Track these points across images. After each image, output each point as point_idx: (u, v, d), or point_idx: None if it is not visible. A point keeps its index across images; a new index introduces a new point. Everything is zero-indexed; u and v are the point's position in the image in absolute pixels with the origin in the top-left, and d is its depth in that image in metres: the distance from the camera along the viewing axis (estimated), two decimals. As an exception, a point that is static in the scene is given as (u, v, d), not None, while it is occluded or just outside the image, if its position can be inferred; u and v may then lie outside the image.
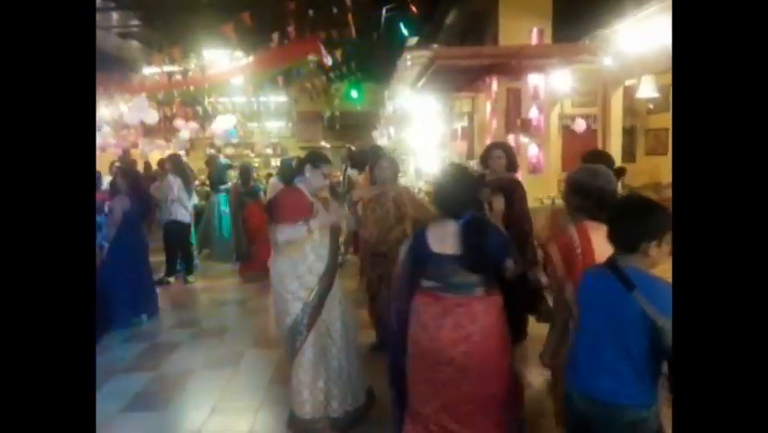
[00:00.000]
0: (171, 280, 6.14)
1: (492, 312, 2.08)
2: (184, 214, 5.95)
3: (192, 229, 6.46)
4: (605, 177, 1.95)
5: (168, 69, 8.48)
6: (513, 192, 3.21)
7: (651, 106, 7.34)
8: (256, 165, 14.99)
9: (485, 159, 3.53)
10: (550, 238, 2.40)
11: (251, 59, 8.24)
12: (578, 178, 2.02)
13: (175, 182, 5.92)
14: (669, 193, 5.89)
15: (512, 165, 3.50)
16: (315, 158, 2.82)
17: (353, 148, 12.15)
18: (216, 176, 7.47)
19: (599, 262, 1.68)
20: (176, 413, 3.12)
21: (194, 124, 10.36)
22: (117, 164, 7.44)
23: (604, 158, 2.67)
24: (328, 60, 6.51)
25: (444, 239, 2.07)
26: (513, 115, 6.08)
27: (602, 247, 1.71)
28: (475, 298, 2.07)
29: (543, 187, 6.04)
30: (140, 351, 4.08)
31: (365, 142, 11.93)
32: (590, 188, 1.93)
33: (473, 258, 2.01)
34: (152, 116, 7.69)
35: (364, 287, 3.83)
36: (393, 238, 3.41)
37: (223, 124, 10.30)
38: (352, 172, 6.45)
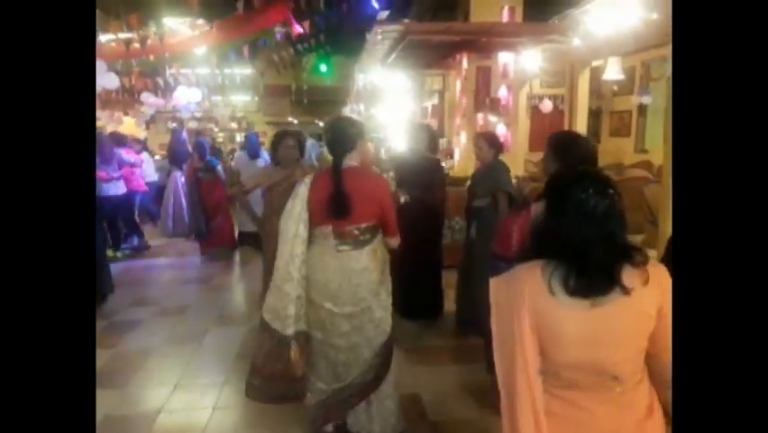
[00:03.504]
0: (118, 255, 6.02)
1: None
2: (103, 189, 5.69)
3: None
4: (584, 139, 2.34)
5: (124, 36, 8.03)
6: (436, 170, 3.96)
7: (615, 88, 7.51)
8: (220, 140, 14.60)
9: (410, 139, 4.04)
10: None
11: (213, 28, 7.90)
12: (559, 141, 2.23)
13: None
14: (631, 173, 6.08)
15: (434, 146, 4.09)
16: (362, 128, 2.30)
17: (321, 124, 11.96)
18: (176, 151, 7.24)
19: None
20: (137, 390, 3.03)
21: (156, 99, 9.92)
22: None
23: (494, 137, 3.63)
24: (298, 28, 6.30)
25: None
26: (482, 94, 6.09)
27: None
28: None
29: (510, 166, 6.12)
30: (99, 328, 3.94)
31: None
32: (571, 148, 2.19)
33: None
34: (113, 80, 7.28)
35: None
36: None
37: (186, 96, 9.88)
38: (325, 150, 6.29)
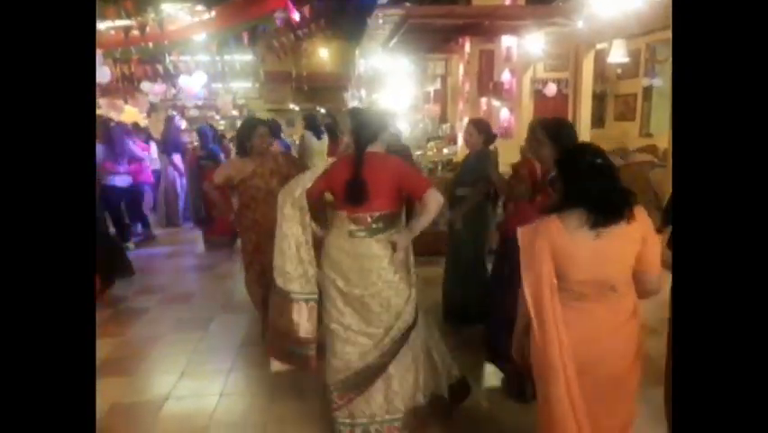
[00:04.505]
0: (129, 245, 5.98)
1: None
2: (110, 179, 5.71)
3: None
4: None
5: (122, 23, 7.94)
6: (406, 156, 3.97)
7: (620, 71, 7.42)
8: (221, 128, 14.54)
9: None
10: (521, 162, 2.78)
11: (213, 14, 7.81)
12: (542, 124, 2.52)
13: (99, 148, 5.75)
14: (636, 158, 6.03)
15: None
16: (386, 119, 2.39)
17: (323, 111, 11.90)
18: (168, 139, 7.22)
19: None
20: (144, 378, 3.07)
21: (158, 86, 9.84)
22: None
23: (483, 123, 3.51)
24: (296, 16, 6.23)
25: None
26: (485, 78, 6.03)
27: None
28: None
29: (513, 151, 6.08)
30: (105, 317, 3.98)
31: (335, 105, 11.66)
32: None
33: None
34: (104, 74, 7.24)
35: (255, 278, 3.22)
36: None
37: (195, 83, 9.81)
38: (306, 133, 6.26)
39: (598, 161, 1.58)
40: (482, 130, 3.39)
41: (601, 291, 1.58)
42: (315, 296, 2.28)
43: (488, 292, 3.05)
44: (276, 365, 2.40)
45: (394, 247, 2.21)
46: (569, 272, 1.57)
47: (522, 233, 1.64)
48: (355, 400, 2.26)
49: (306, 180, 2.27)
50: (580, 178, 1.58)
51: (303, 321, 2.26)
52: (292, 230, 2.25)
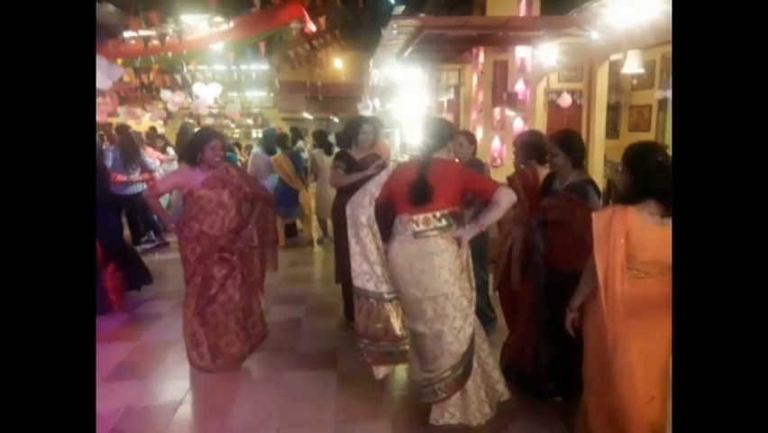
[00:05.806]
0: (137, 250, 6.02)
1: None
2: (118, 188, 5.81)
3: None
4: (544, 136, 3.20)
5: (144, 33, 8.13)
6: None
7: (635, 82, 7.37)
8: (236, 136, 14.73)
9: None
10: (515, 173, 3.12)
11: (231, 24, 7.95)
12: (528, 139, 3.15)
13: (113, 154, 5.89)
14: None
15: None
16: (453, 129, 2.56)
17: (336, 120, 11.99)
18: (186, 146, 7.29)
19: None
20: (158, 382, 3.10)
21: (177, 96, 10.04)
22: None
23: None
24: (312, 27, 6.31)
25: None
26: (499, 89, 6.03)
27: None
28: None
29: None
30: (121, 321, 4.04)
31: (348, 115, 11.74)
32: (537, 144, 3.03)
33: None
34: (117, 71, 7.30)
35: (198, 290, 3.08)
36: (234, 226, 3.07)
37: (210, 93, 10.01)
38: (317, 152, 6.30)
39: (663, 159, 1.90)
40: (472, 141, 3.64)
41: (662, 270, 1.88)
42: (396, 294, 2.38)
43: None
44: (381, 370, 2.49)
45: (459, 242, 2.29)
46: (638, 255, 1.88)
47: (597, 217, 1.91)
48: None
49: (372, 189, 2.38)
50: (650, 174, 1.88)
51: (395, 319, 2.37)
52: (369, 237, 2.35)
